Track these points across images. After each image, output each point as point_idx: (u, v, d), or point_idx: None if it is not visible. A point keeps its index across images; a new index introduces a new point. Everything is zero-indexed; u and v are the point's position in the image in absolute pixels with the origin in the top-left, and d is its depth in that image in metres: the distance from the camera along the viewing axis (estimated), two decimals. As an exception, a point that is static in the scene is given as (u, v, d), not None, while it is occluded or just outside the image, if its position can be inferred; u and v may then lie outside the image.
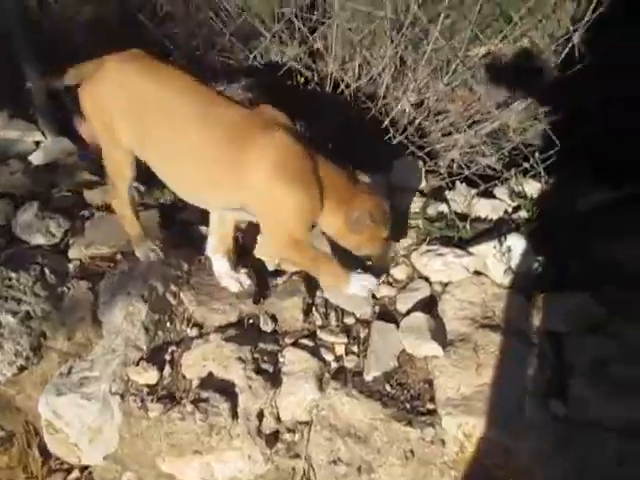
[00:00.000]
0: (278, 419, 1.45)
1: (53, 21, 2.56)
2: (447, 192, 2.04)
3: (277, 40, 2.35)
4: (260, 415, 1.43)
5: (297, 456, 1.46)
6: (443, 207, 1.96)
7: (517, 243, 1.70)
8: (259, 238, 1.78)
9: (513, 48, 2.25)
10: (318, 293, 1.67)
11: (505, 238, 1.72)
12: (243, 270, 1.70)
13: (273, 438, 1.45)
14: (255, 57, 2.36)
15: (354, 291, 1.56)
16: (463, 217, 1.90)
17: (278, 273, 1.74)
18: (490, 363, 1.46)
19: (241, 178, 1.42)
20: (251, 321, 1.61)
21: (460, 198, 1.99)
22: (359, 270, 1.60)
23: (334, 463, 1.43)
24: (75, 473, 1.69)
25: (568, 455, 1.31)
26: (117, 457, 1.57)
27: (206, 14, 2.37)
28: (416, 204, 1.93)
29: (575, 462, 1.31)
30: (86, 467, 1.68)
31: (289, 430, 1.47)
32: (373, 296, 1.67)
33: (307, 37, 2.20)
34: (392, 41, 2.04)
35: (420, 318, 1.56)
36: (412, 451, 1.43)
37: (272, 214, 1.46)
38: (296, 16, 2.19)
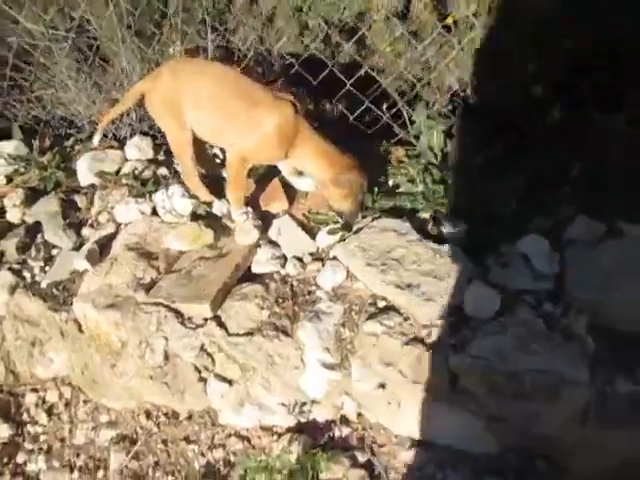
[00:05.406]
0: (-16, 315, 2.24)
1: None
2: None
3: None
4: (-32, 312, 2.22)
5: (0, 339, 2.25)
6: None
7: (177, 190, 2.36)
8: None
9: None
10: (39, 235, 2.42)
11: (168, 188, 2.38)
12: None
13: (-16, 328, 2.24)
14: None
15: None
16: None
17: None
18: (117, 270, 2.15)
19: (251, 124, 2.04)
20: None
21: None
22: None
23: (18, 340, 2.19)
24: None
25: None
26: None
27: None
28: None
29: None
30: None
31: (-3, 323, 2.26)
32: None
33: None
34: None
35: (87, 246, 2.26)
36: (67, 330, 2.16)
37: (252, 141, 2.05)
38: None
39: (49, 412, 2.17)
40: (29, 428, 2.16)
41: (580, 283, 1.86)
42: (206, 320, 1.96)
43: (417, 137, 2.43)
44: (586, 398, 1.65)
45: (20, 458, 2.08)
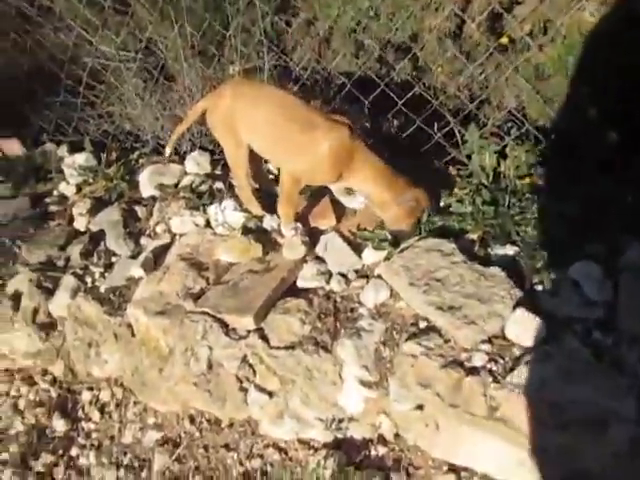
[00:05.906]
0: (50, 315, 2.39)
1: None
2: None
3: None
4: (35, 311, 2.37)
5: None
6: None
7: (229, 204, 2.45)
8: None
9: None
10: (102, 243, 2.57)
11: (221, 202, 2.47)
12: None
13: (49, 327, 2.38)
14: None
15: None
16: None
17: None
18: (169, 279, 2.24)
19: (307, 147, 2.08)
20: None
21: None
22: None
23: (76, 340, 2.32)
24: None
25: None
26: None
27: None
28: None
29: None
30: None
31: (61, 323, 2.40)
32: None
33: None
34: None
35: (144, 255, 2.38)
36: (120, 333, 2.27)
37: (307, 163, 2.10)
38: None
39: (102, 410, 2.29)
40: (83, 424, 2.28)
41: (634, 312, 1.78)
42: (249, 332, 2.01)
43: (469, 157, 2.41)
44: (634, 433, 1.57)
45: (74, 452, 2.20)
